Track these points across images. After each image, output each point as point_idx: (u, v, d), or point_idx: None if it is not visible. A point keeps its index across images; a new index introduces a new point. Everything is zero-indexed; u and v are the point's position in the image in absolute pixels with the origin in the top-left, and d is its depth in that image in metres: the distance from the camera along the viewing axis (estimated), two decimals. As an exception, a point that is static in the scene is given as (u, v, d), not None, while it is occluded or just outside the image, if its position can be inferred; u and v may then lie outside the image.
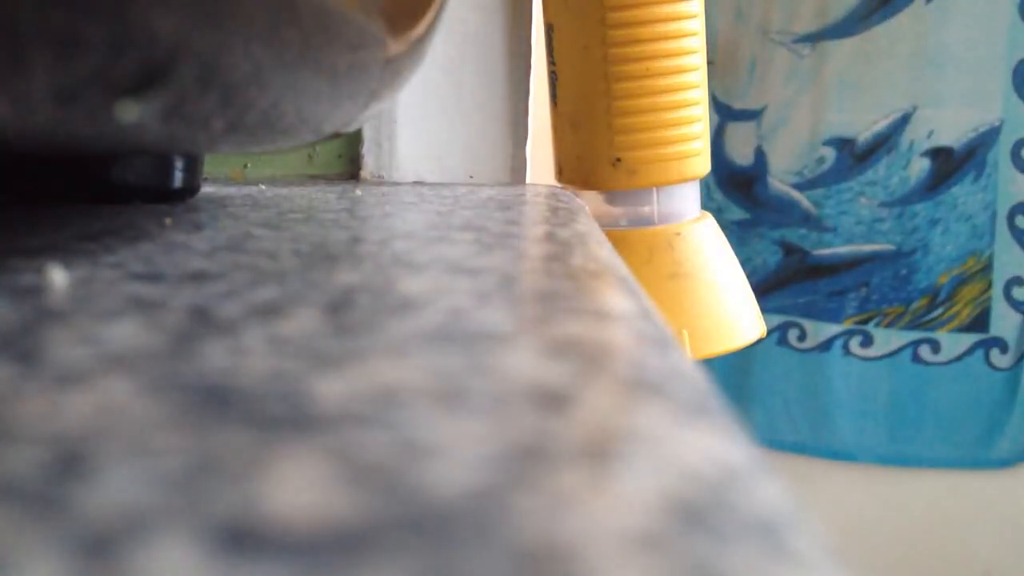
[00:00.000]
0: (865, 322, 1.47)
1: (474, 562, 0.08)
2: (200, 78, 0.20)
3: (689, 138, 0.62)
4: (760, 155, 1.52)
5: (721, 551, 0.09)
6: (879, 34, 1.45)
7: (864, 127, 1.46)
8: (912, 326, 1.44)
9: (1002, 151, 1.42)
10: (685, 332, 0.60)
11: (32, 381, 0.13)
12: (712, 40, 1.56)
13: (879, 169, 1.46)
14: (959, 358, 1.42)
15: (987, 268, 1.43)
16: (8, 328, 0.16)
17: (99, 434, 0.11)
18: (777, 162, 1.51)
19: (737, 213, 1.54)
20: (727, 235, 1.70)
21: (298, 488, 0.10)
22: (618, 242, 0.60)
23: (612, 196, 0.64)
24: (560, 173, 0.67)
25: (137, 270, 0.22)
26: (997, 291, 1.42)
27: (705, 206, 1.77)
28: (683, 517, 0.10)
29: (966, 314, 1.43)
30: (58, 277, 0.21)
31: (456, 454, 0.11)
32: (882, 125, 1.46)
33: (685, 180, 0.64)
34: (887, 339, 1.45)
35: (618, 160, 0.62)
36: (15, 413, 0.12)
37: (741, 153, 1.53)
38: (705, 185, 1.57)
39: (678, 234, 0.63)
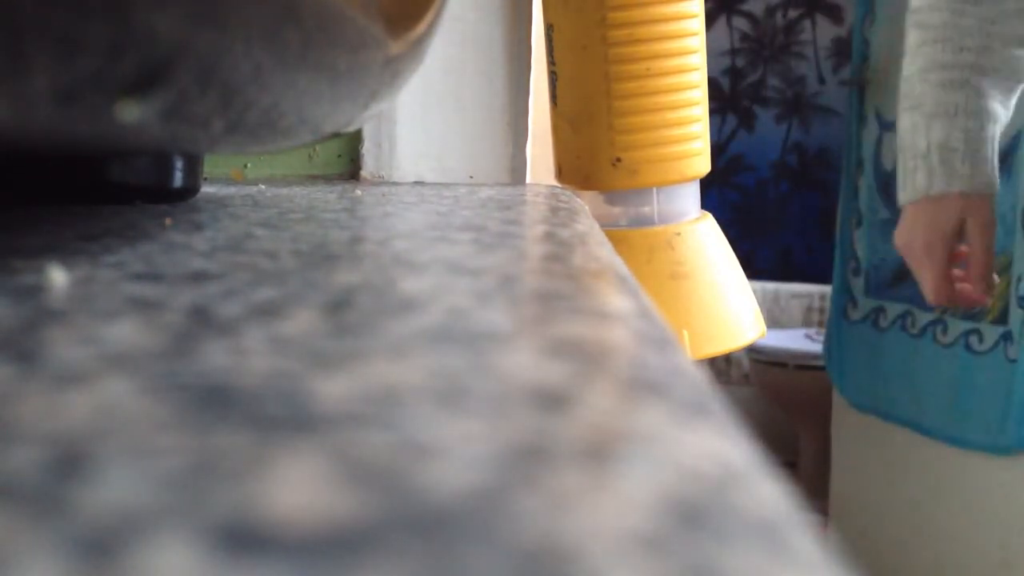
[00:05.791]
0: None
1: (474, 562, 0.08)
2: (200, 78, 0.20)
3: (689, 138, 0.62)
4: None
5: (721, 551, 0.09)
6: None
7: None
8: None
9: (1022, 153, 1.45)
10: (685, 332, 0.60)
11: (32, 381, 0.13)
12: (876, 60, 1.76)
13: None
14: (991, 349, 1.49)
15: (1010, 265, 1.47)
16: (8, 328, 0.16)
17: (99, 434, 0.11)
18: None
19: (884, 213, 1.71)
20: (876, 233, 1.76)
21: (298, 488, 0.10)
22: (618, 242, 0.60)
23: (612, 196, 0.64)
24: (560, 173, 0.67)
25: (137, 270, 0.22)
26: (1013, 287, 1.46)
27: (867, 206, 1.82)
28: (683, 517, 0.10)
29: (998, 308, 1.50)
30: (58, 277, 0.21)
31: (456, 454, 0.11)
32: None
33: (685, 180, 0.63)
34: (955, 328, 1.57)
35: (618, 160, 0.62)
36: (15, 413, 0.12)
37: (888, 160, 1.70)
38: (868, 187, 1.72)
39: (678, 234, 0.63)
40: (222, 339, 0.16)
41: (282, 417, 0.12)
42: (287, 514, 0.09)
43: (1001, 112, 0.99)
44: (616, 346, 0.17)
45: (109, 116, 0.18)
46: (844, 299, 1.83)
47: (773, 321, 2.81)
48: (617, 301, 0.21)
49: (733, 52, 3.06)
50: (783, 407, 2.49)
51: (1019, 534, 1.45)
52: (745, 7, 3.06)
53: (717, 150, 2.98)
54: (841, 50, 2.97)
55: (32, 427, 0.11)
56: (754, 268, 2.96)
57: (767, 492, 0.10)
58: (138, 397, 0.13)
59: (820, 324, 2.74)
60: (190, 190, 0.41)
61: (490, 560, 0.08)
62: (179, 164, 0.40)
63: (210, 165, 0.62)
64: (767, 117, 3.08)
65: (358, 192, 0.53)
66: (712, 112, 2.96)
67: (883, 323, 1.72)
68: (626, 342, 0.17)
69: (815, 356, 2.26)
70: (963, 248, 1.02)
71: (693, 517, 0.10)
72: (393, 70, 0.30)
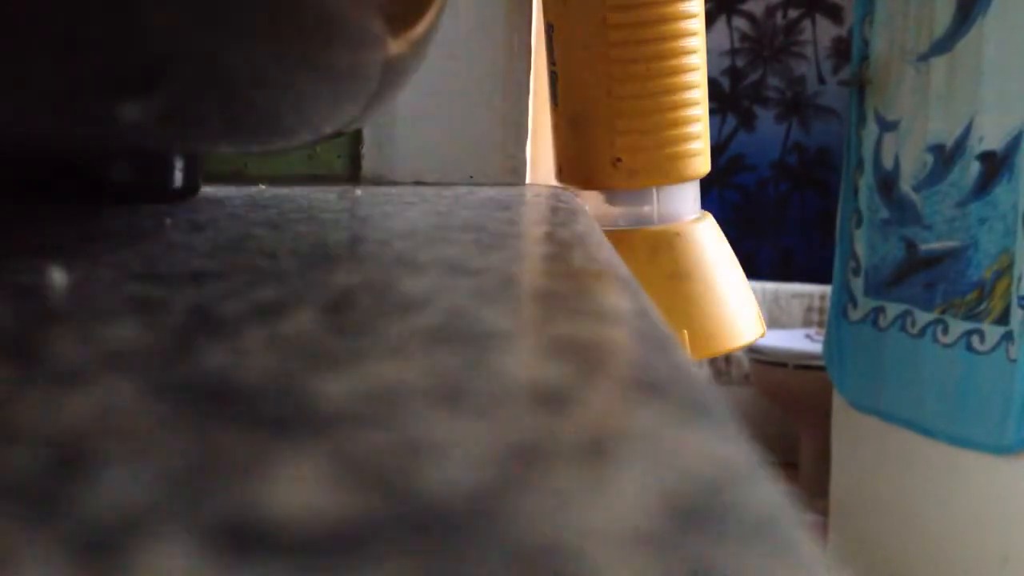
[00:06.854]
0: (945, 311, 1.59)
1: (474, 562, 0.08)
2: (200, 79, 0.20)
3: (689, 138, 0.62)
4: (896, 161, 1.69)
5: (721, 551, 0.09)
6: (960, 49, 1.58)
7: (949, 134, 1.59)
8: (967, 316, 1.55)
9: (1022, 153, 1.45)
10: (685, 332, 0.60)
11: (32, 381, 0.13)
12: (875, 61, 1.75)
13: (955, 172, 1.58)
14: (992, 349, 1.50)
15: (1011, 264, 1.47)
16: (8, 328, 0.16)
17: (99, 434, 0.11)
18: (906, 167, 1.66)
19: (884, 213, 1.71)
20: (877, 233, 1.79)
21: (298, 488, 0.10)
22: (618, 242, 0.60)
23: (612, 196, 0.64)
24: (560, 173, 0.67)
25: (137, 270, 0.22)
26: (1014, 287, 1.46)
27: (867, 206, 1.85)
28: (683, 517, 0.10)
29: (999, 308, 1.50)
30: (58, 277, 0.21)
31: (456, 454, 0.11)
32: (957, 132, 1.58)
33: (685, 180, 0.63)
34: (956, 328, 1.57)
35: (618, 160, 0.62)
36: (15, 413, 0.12)
37: (888, 160, 1.70)
38: (867, 187, 1.73)
39: (678, 234, 0.63)
40: (222, 339, 0.16)
41: (282, 417, 0.12)
42: (287, 514, 0.09)
43: None
44: (616, 346, 0.17)
45: (109, 116, 0.18)
46: (844, 299, 1.83)
47: (773, 321, 2.82)
48: (617, 301, 0.21)
49: (733, 52, 3.06)
50: (783, 407, 2.49)
51: (1019, 534, 1.45)
52: (745, 7, 3.06)
53: (717, 150, 2.98)
54: (841, 50, 2.97)
55: (32, 427, 0.11)
56: (754, 268, 2.96)
57: (767, 492, 0.10)
58: (138, 397, 0.13)
59: (820, 324, 2.74)
60: (190, 190, 0.41)
61: (490, 560, 0.08)
62: (179, 164, 0.40)
63: (210, 165, 0.62)
64: (767, 117, 3.08)
65: (358, 192, 0.53)
66: (712, 112, 2.96)
67: (883, 323, 1.71)
68: (626, 342, 0.17)
69: (815, 356, 2.25)
70: None
71: (693, 517, 0.10)
72: (393, 70, 0.30)
